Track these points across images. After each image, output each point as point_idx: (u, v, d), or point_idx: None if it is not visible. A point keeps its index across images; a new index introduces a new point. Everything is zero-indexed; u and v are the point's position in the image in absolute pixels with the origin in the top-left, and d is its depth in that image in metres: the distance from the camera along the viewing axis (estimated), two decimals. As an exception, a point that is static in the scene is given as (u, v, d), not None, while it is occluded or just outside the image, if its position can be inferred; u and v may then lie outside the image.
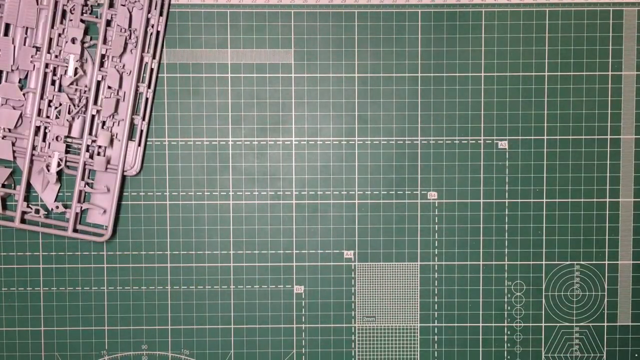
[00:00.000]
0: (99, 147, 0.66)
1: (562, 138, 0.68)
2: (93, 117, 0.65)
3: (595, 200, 0.68)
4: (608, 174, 0.68)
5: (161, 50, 0.66)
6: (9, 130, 0.65)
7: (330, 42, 0.67)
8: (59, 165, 0.65)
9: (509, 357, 0.70)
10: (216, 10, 0.67)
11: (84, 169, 0.66)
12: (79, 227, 0.67)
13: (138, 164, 0.67)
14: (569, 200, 0.68)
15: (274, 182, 0.68)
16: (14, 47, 0.65)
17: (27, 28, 0.65)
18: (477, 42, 0.67)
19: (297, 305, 0.69)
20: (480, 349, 0.69)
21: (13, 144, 0.66)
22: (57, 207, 0.66)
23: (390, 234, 0.68)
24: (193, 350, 0.69)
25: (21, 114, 0.66)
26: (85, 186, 0.66)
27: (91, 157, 0.66)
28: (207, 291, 0.68)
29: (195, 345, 0.69)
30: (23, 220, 0.67)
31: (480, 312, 0.69)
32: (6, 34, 0.65)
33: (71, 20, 0.65)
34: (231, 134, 0.68)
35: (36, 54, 0.65)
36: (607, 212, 0.69)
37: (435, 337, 0.69)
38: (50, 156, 0.65)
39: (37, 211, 0.67)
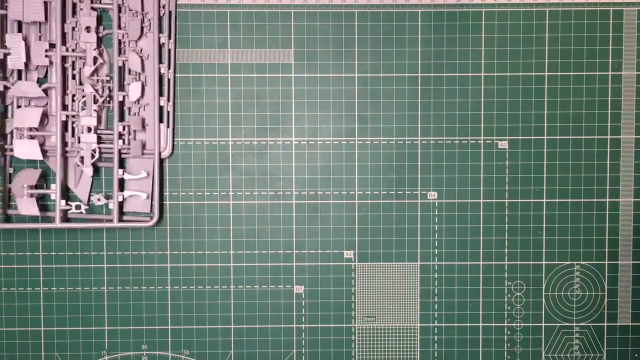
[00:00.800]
0: (129, 134, 0.65)
1: (562, 138, 0.68)
2: (120, 104, 0.65)
3: (595, 200, 0.68)
4: (608, 174, 0.68)
5: (175, 30, 0.66)
6: (36, 129, 0.65)
7: (330, 42, 0.67)
8: (92, 156, 0.65)
9: (509, 357, 0.70)
10: (216, 10, 0.67)
11: (120, 157, 0.65)
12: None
13: (169, 145, 0.67)
14: (569, 200, 0.68)
15: (274, 182, 0.68)
16: (27, 44, 0.64)
17: (39, 25, 0.65)
18: (477, 42, 0.67)
19: (297, 305, 0.69)
20: (480, 349, 0.69)
21: (42, 145, 0.65)
22: (99, 200, 0.66)
23: (390, 234, 0.68)
24: (193, 350, 0.69)
25: (46, 112, 0.65)
26: (123, 174, 0.66)
27: (124, 143, 0.65)
28: (207, 291, 0.68)
29: (195, 345, 0.69)
30: (65, 220, 0.66)
31: (480, 312, 0.69)
32: (20, 31, 0.65)
33: (81, 9, 0.65)
34: (231, 134, 0.68)
35: (51, 49, 0.64)
36: (607, 212, 0.68)
37: (435, 337, 0.69)
38: (82, 149, 0.65)
39: (77, 207, 0.66)
